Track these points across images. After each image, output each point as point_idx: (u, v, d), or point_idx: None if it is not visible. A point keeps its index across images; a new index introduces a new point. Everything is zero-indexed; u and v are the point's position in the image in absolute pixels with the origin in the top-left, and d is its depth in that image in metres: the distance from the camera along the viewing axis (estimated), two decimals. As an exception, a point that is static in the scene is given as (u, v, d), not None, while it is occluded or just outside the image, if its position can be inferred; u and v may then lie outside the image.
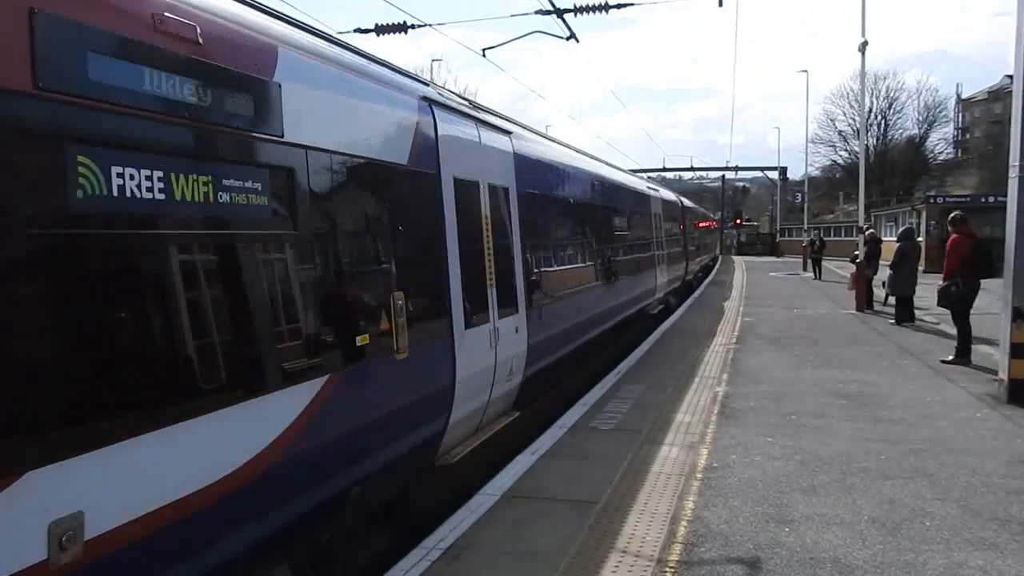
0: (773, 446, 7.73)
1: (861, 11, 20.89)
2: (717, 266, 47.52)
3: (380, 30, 14.71)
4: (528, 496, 6.36)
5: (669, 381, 11.11)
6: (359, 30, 14.67)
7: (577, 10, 14.03)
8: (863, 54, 21.27)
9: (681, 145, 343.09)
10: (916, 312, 17.48)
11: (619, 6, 14.34)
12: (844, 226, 59.14)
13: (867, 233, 21.20)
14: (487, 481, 6.76)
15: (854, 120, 68.08)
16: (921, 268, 19.43)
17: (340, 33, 11.99)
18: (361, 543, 5.89)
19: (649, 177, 38.17)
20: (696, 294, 27.99)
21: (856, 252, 21.10)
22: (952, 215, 12.57)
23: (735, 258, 59.39)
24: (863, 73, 22.96)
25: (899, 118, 73.99)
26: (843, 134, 73.28)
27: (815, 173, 74.76)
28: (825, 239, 41.40)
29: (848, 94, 70.23)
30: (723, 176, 73.19)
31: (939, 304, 12.64)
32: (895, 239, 18.55)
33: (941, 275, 12.23)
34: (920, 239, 27.59)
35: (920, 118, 73.66)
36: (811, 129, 72.55)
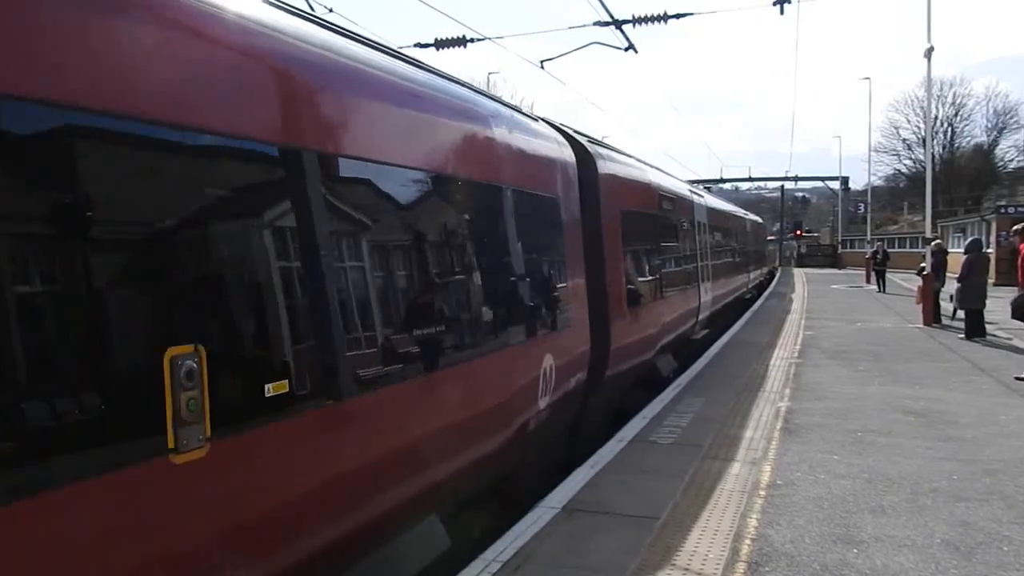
0: (839, 464, 7.54)
1: (927, 16, 20.41)
2: (776, 278, 46.72)
3: (440, 44, 14.86)
4: (588, 510, 6.31)
5: (730, 395, 10.94)
6: (419, 45, 14.84)
7: (635, 21, 13.99)
8: (929, 60, 20.74)
9: (739, 155, 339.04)
10: (987, 326, 16.91)
11: (678, 16, 14.25)
12: (909, 237, 57.69)
13: (934, 244, 20.62)
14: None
15: (919, 128, 66.39)
16: (991, 280, 18.83)
17: (401, 47, 12.13)
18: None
19: (707, 188, 37.72)
20: (755, 307, 27.55)
21: (922, 264, 20.54)
22: (1021, 225, 12.17)
23: (795, 270, 58.34)
24: (929, 79, 22.41)
25: (967, 125, 71.89)
26: (907, 142, 71.49)
27: (878, 183, 72.99)
28: (889, 250, 40.35)
29: (913, 101, 68.57)
30: (782, 186, 72.11)
31: (1013, 317, 12.22)
32: (963, 251, 18.02)
33: (1015, 287, 11.84)
34: (989, 250, 26.76)
35: (989, 125, 71.35)
36: (874, 138, 70.77)
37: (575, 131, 10.44)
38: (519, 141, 7.60)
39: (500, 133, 7.08)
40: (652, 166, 15.22)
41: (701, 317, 17.32)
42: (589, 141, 10.43)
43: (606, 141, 13.61)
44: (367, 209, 4.94)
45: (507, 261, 7.05)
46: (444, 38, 14.91)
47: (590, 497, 6.63)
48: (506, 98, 11.29)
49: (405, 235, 5.46)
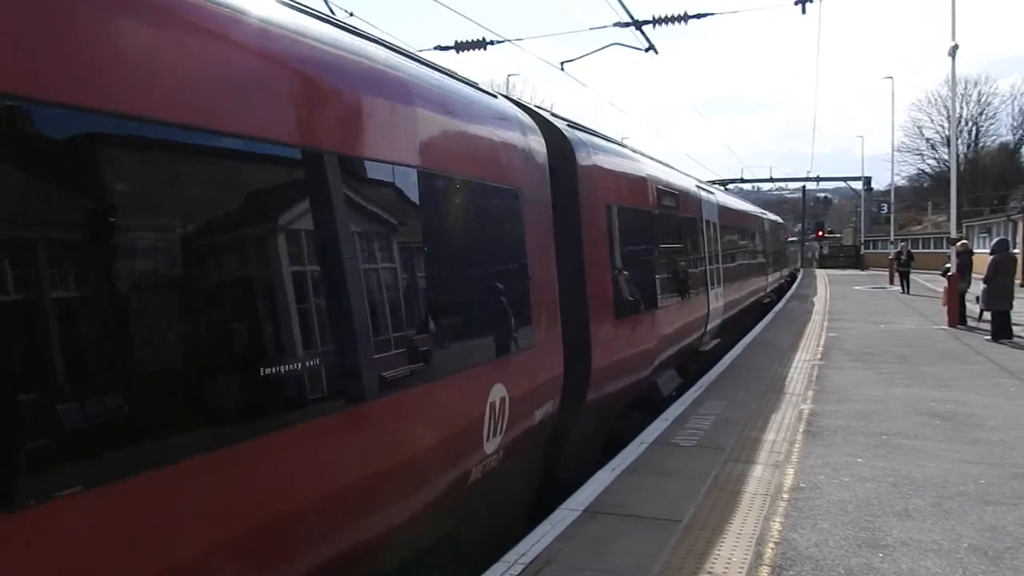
0: (863, 467, 7.47)
1: (951, 14, 20.20)
2: (798, 279, 46.38)
3: (460, 47, 14.90)
4: (609, 512, 6.29)
5: (752, 397, 10.87)
6: (439, 47, 14.90)
7: (656, 21, 13.96)
8: (953, 58, 20.54)
9: (761, 156, 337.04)
10: (1014, 328, 16.70)
11: (698, 16, 14.21)
12: (933, 237, 57.06)
13: (959, 245, 20.39)
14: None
15: (943, 127, 65.71)
16: (1018, 281, 18.58)
17: (420, 50, 12.17)
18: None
19: (724, 187, 37.18)
20: (777, 308, 27.36)
21: (947, 265, 20.31)
22: None
23: (817, 271, 57.88)
24: (953, 78, 22.23)
25: (992, 124, 71.03)
26: (931, 142, 70.74)
27: (901, 183, 72.28)
28: (913, 251, 39.92)
29: (936, 100, 67.86)
30: (803, 187, 71.53)
31: None
32: (989, 251, 17.81)
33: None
34: (1016, 251, 26.41)
35: (1015, 124, 70.37)
36: (897, 137, 70.17)
37: (553, 115, 9.16)
38: (457, 116, 5.99)
39: (424, 102, 5.47)
40: (651, 158, 13.55)
41: (711, 326, 15.52)
42: (570, 126, 9.05)
43: (625, 140, 13.49)
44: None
45: (431, 268, 5.38)
46: (464, 40, 14.95)
47: (612, 499, 6.61)
48: (525, 100, 10.63)
49: (264, 231, 3.95)
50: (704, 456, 7.91)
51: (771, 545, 5.57)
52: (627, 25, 13.71)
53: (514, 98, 8.10)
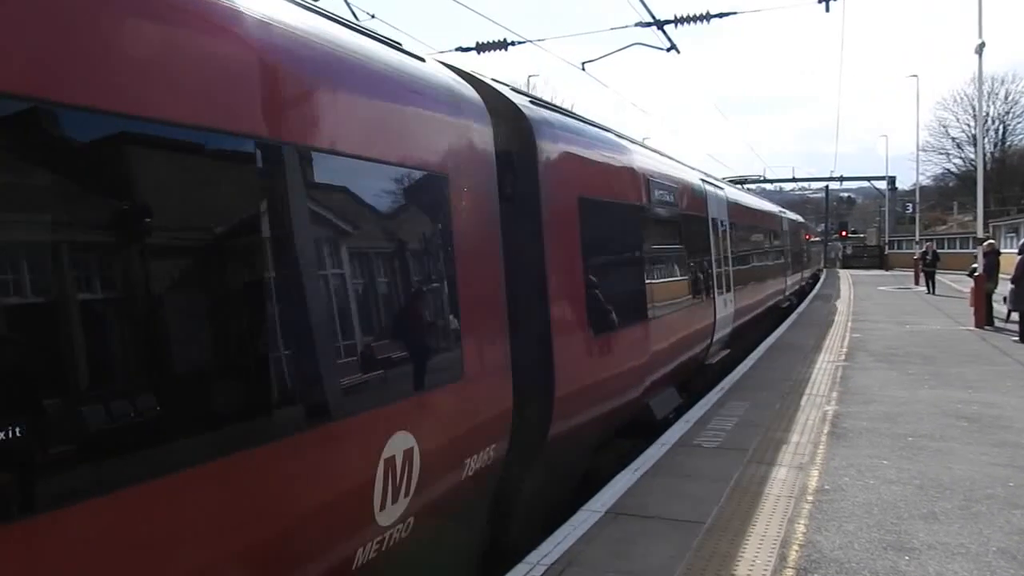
0: (888, 469, 7.40)
1: (978, 11, 19.96)
2: (822, 279, 46.01)
3: (480, 48, 14.92)
4: (631, 514, 6.27)
5: (775, 399, 10.80)
6: (460, 49, 14.93)
7: (678, 21, 13.90)
8: (980, 56, 20.29)
9: (783, 156, 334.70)
10: (1042, 329, 16.47)
11: (720, 15, 14.13)
12: (959, 237, 56.40)
13: (986, 245, 20.14)
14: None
15: (969, 126, 64.95)
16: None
17: (440, 53, 12.21)
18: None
19: (742, 185, 35.84)
20: (800, 308, 27.15)
21: (974, 265, 20.06)
22: None
23: (840, 271, 57.40)
24: (980, 76, 21.99)
25: (1019, 122, 70.04)
26: (957, 141, 69.95)
27: (926, 182, 71.57)
28: (939, 251, 39.47)
29: (962, 99, 67.06)
30: (827, 186, 70.96)
31: None
32: (1016, 251, 17.57)
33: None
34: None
35: (1044, 121, 69.55)
36: (922, 136, 69.39)
37: (514, 90, 7.66)
38: (349, 78, 4.55)
39: (288, 55, 4.01)
40: (644, 146, 11.99)
41: (718, 336, 13.94)
42: (533, 103, 7.60)
43: (647, 141, 13.34)
44: None
45: (286, 276, 3.86)
46: (485, 41, 14.97)
47: (634, 501, 6.59)
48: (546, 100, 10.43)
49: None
50: (727, 457, 7.87)
51: (795, 547, 5.53)
52: (649, 25, 13.67)
53: (456, 67, 6.59)
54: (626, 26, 14.51)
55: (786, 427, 9.12)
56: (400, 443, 4.58)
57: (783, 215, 30.05)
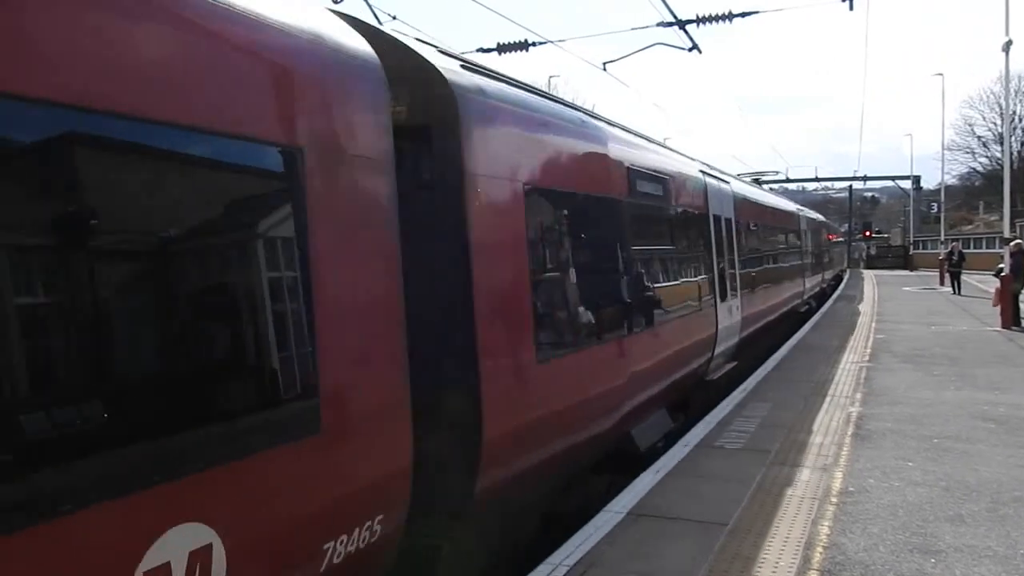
0: (914, 471, 7.32)
1: (1005, 8, 19.71)
2: (845, 280, 45.62)
3: (502, 49, 14.93)
4: (653, 515, 6.25)
5: (798, 400, 10.72)
6: (481, 50, 14.95)
7: (699, 20, 13.83)
8: (1007, 54, 20.04)
9: (806, 155, 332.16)
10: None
11: (743, 15, 14.04)
12: (985, 237, 55.77)
13: (1012, 244, 19.88)
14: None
15: (995, 124, 64.21)
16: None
17: (464, 52, 12.23)
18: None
19: (756, 181, 34.47)
20: (824, 308, 26.93)
21: (1000, 265, 19.82)
22: None
23: (864, 272, 56.89)
24: (1007, 74, 21.72)
25: (1047, 121, 69.11)
26: (983, 140, 69.21)
27: (951, 181, 70.79)
28: (964, 251, 38.98)
29: (988, 97, 66.29)
30: (850, 186, 70.39)
31: None
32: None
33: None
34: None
35: (1071, 120, 68.54)
36: (947, 135, 68.61)
37: (442, 51, 6.03)
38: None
39: None
40: (627, 129, 9.86)
41: (721, 348, 12.34)
42: (467, 67, 6.06)
43: (667, 141, 13.07)
44: None
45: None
46: (506, 42, 14.99)
47: (656, 502, 6.57)
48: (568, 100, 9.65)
49: None
50: (749, 459, 7.82)
51: (819, 549, 5.49)
52: (670, 25, 13.62)
53: (353, 17, 5.21)
54: (647, 26, 14.47)
55: (809, 428, 9.05)
56: (179, 542, 3.06)
57: (801, 213, 28.08)
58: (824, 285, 33.93)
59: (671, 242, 10.36)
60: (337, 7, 4.75)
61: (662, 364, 9.10)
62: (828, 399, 10.75)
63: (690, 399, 10.95)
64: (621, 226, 8.28)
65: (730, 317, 12.80)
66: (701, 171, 12.58)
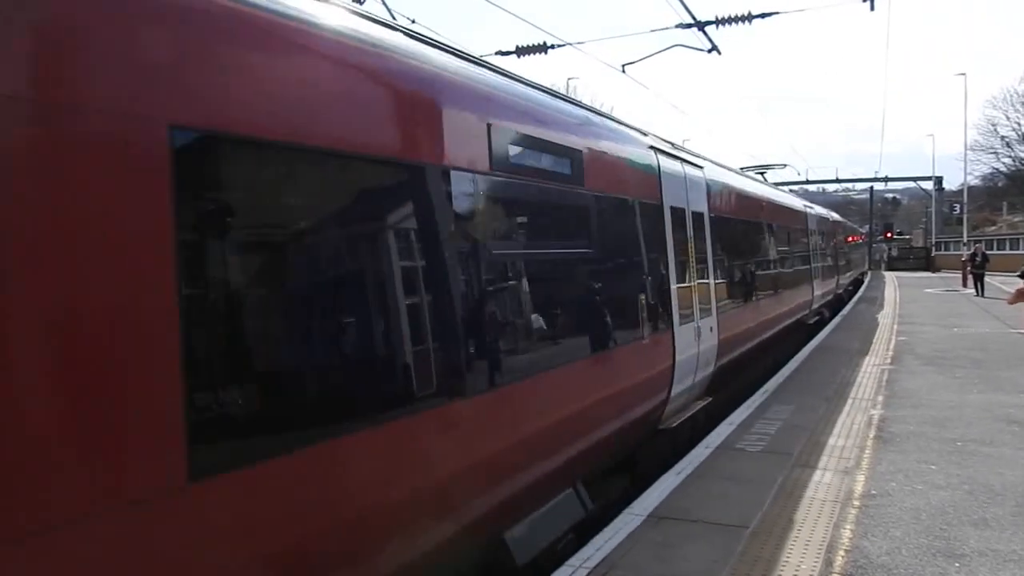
0: (937, 474, 7.27)
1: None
2: (866, 282, 45.25)
3: (520, 51, 14.97)
4: (674, 517, 6.24)
5: (819, 402, 10.66)
6: (500, 52, 14.98)
7: (719, 22, 13.80)
8: (1031, 54, 19.80)
9: (826, 156, 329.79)
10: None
11: (763, 16, 14.00)
12: (1009, 238, 55.25)
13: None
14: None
15: (1019, 124, 63.58)
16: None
17: (482, 55, 12.25)
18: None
19: (791, 190, 33.58)
20: (845, 311, 26.73)
21: (1024, 267, 19.59)
22: None
23: (885, 274, 56.40)
24: (1031, 74, 21.34)
25: (1072, 120, 68.24)
26: (1007, 140, 68.44)
27: (974, 182, 69.94)
28: (987, 252, 38.52)
29: (1012, 96, 65.64)
30: (871, 187, 69.84)
31: None
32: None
33: None
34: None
35: (1095, 120, 67.69)
36: (970, 136, 67.95)
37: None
38: None
39: None
40: (507, 74, 6.65)
41: (684, 386, 9.22)
42: None
43: (686, 143, 12.71)
44: None
45: None
46: (525, 45, 15.01)
47: (677, 504, 6.56)
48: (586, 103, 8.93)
49: None
50: (771, 461, 7.80)
51: (841, 552, 5.47)
52: (690, 26, 13.60)
53: None
54: (667, 28, 14.47)
55: (831, 431, 9.00)
56: None
57: (809, 211, 24.03)
58: (840, 291, 30.72)
59: (586, 242, 7.13)
60: (361, 9, 4.82)
61: (560, 426, 6.16)
62: (850, 402, 10.68)
63: (638, 456, 8.43)
64: (470, 219, 5.29)
65: (697, 343, 9.64)
66: (651, 148, 9.13)
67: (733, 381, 11.93)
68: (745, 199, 14.43)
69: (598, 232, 7.31)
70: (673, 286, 9.00)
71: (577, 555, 5.52)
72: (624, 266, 7.96)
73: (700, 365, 9.81)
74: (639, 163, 8.71)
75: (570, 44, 15.22)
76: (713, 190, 11.48)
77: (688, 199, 10.10)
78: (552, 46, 15.06)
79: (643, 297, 8.13)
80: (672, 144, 10.85)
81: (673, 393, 8.84)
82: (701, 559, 5.38)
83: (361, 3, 5.65)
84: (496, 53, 15.06)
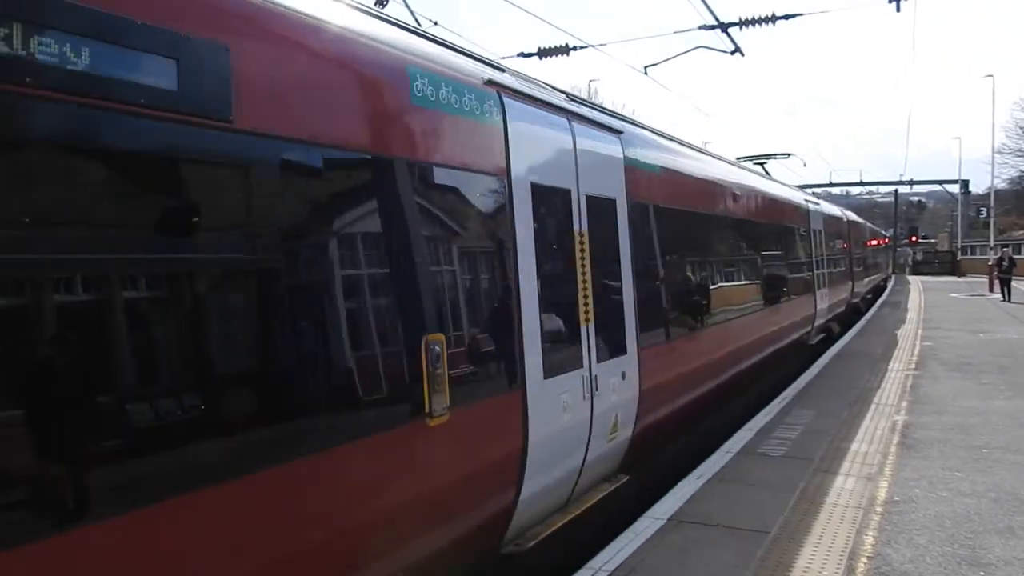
0: (962, 481, 7.18)
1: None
2: (890, 286, 44.80)
3: (543, 53, 14.93)
4: (694, 522, 6.21)
5: (841, 408, 10.55)
6: (522, 54, 14.96)
7: (742, 23, 13.69)
8: (1061, 56, 19.48)
9: (851, 159, 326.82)
10: None
11: (787, 17, 13.88)
12: (1036, 243, 54.42)
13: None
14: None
15: (1048, 127, 62.60)
16: None
17: (503, 58, 12.25)
18: None
19: (815, 193, 31.80)
20: (868, 315, 26.46)
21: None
22: None
23: (910, 278, 55.83)
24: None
25: (1102, 123, 67.16)
26: (1035, 143, 67.45)
27: (1002, 185, 69.01)
28: (1015, 257, 37.97)
29: (1041, 99, 64.67)
30: (895, 190, 69.19)
31: None
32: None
33: None
34: None
35: (1125, 122, 66.57)
36: (998, 138, 67.08)
37: None
38: None
39: None
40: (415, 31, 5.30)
41: (541, 483, 5.60)
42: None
43: (707, 145, 12.23)
44: None
45: None
46: (547, 47, 14.98)
47: (696, 509, 6.52)
48: (607, 105, 9.42)
49: None
50: (792, 466, 7.73)
51: (864, 559, 5.41)
52: (713, 28, 13.51)
53: None
54: (689, 29, 14.38)
55: (854, 436, 8.91)
56: None
57: (812, 207, 19.09)
58: (855, 300, 26.19)
59: (449, 259, 4.94)
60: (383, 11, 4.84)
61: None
62: (873, 407, 10.57)
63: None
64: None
65: (588, 402, 6.21)
66: (492, 83, 5.53)
67: (687, 434, 9.12)
68: (701, 184, 10.68)
69: (378, 232, 4.37)
70: (529, 312, 5.48)
71: (596, 559, 5.50)
72: (388, 286, 4.38)
73: (596, 434, 6.38)
74: (547, 139, 6.19)
75: (592, 46, 15.18)
76: (640, 167, 8.00)
77: (579, 176, 6.47)
78: (574, 48, 15.02)
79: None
80: (567, 94, 7.30)
81: (525, 495, 5.46)
82: (721, 564, 5.34)
83: (384, 5, 5.67)
84: (518, 55, 15.04)
